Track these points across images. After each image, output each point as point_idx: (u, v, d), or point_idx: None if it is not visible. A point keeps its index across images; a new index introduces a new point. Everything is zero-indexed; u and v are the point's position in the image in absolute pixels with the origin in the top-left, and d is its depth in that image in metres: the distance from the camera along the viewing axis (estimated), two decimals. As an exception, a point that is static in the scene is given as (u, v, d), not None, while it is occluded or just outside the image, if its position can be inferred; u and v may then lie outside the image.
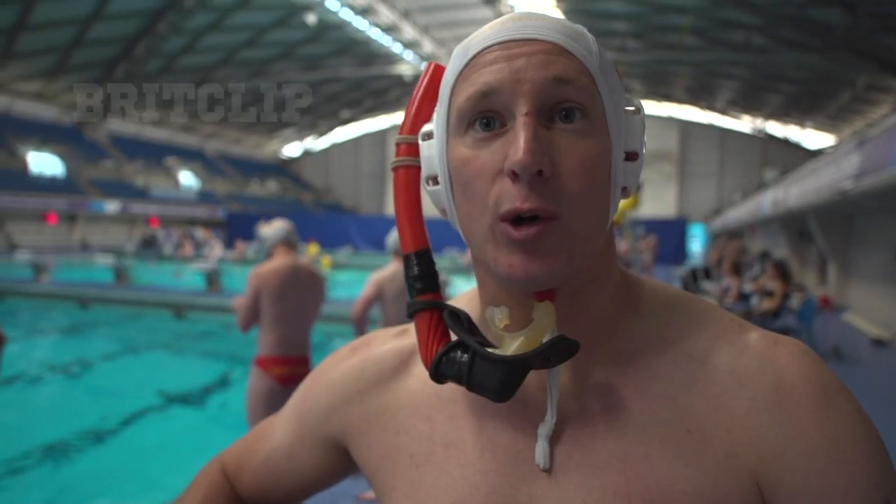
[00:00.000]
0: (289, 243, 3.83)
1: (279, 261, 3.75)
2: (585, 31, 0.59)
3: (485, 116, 0.56)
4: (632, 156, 0.59)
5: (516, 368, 0.56)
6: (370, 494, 3.86)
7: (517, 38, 0.56)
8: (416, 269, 0.64)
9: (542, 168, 0.53)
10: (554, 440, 0.61)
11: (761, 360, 0.58)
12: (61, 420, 6.16)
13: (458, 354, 0.60)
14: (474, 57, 0.57)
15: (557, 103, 0.55)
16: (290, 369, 3.67)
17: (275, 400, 3.57)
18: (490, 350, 0.58)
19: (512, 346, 0.57)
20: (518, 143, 0.53)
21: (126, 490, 4.66)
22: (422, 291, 0.64)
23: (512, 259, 0.55)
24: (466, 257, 15.55)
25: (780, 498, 0.55)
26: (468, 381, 0.58)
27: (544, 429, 0.60)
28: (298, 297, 3.73)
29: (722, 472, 0.56)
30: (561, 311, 0.60)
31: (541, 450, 0.60)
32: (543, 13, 0.59)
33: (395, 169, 0.66)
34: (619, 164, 0.58)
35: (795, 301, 8.88)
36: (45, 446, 5.34)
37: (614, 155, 0.58)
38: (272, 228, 3.85)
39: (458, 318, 0.61)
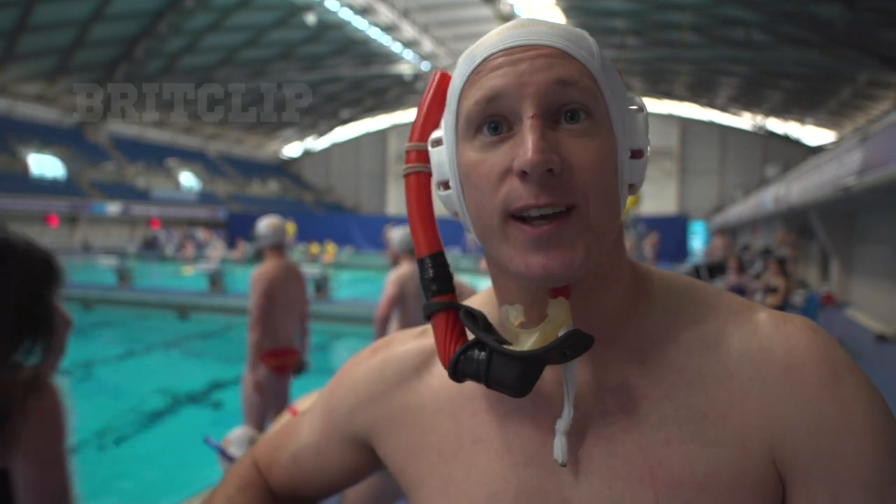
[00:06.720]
0: (278, 245, 4.02)
1: (273, 263, 4.00)
2: (586, 35, 0.61)
3: (492, 121, 0.58)
4: (637, 153, 0.61)
5: (533, 363, 0.57)
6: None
7: (521, 45, 0.58)
8: (431, 271, 0.66)
9: (552, 166, 0.54)
10: (578, 434, 0.62)
11: (771, 341, 0.60)
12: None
13: (475, 353, 0.61)
14: (480, 63, 0.59)
15: (562, 105, 0.57)
16: (284, 360, 4.05)
17: (270, 388, 3.95)
18: (507, 347, 0.58)
19: (528, 342, 0.58)
20: (526, 144, 0.55)
21: (132, 490, 4.67)
22: (438, 293, 0.66)
23: (528, 257, 0.56)
24: (482, 263, 15.53)
25: (795, 473, 0.57)
26: (486, 377, 0.59)
27: (562, 423, 0.60)
28: (287, 294, 4.02)
29: (738, 453, 0.58)
30: (575, 309, 0.61)
31: (559, 445, 0.60)
32: (545, 20, 0.61)
33: (406, 175, 0.67)
34: (626, 162, 0.60)
35: (799, 297, 8.86)
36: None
37: (620, 153, 0.59)
38: (262, 228, 3.99)
39: (474, 317, 0.63)
